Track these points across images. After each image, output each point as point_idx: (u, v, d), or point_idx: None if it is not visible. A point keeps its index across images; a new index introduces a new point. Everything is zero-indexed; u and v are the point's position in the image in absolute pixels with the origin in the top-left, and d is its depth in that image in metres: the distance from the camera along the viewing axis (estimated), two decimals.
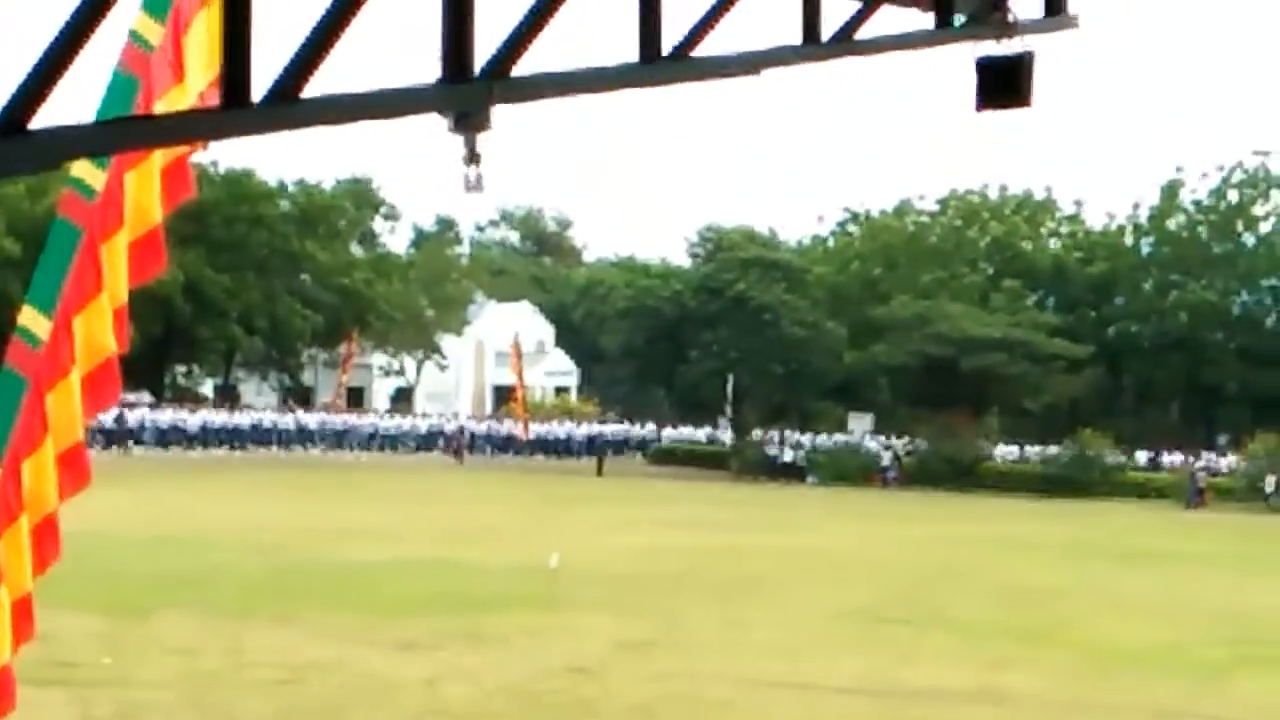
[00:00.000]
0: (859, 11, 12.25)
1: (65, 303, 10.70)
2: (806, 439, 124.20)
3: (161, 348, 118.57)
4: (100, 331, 10.88)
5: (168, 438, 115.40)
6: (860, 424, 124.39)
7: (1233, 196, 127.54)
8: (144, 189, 11.00)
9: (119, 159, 10.73)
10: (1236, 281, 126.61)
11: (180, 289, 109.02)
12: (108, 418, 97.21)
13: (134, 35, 10.37)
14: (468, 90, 10.16)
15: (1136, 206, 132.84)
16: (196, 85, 10.26)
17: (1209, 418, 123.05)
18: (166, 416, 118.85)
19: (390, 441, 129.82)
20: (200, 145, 11.24)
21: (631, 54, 11.08)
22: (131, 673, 34.01)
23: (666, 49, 11.19)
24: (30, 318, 10.76)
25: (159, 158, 11.01)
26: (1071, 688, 37.38)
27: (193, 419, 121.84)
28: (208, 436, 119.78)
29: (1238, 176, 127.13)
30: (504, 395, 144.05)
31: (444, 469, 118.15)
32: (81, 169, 10.74)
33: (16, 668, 10.91)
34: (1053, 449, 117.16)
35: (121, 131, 10.32)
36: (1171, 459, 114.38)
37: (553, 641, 40.65)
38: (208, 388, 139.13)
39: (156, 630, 38.51)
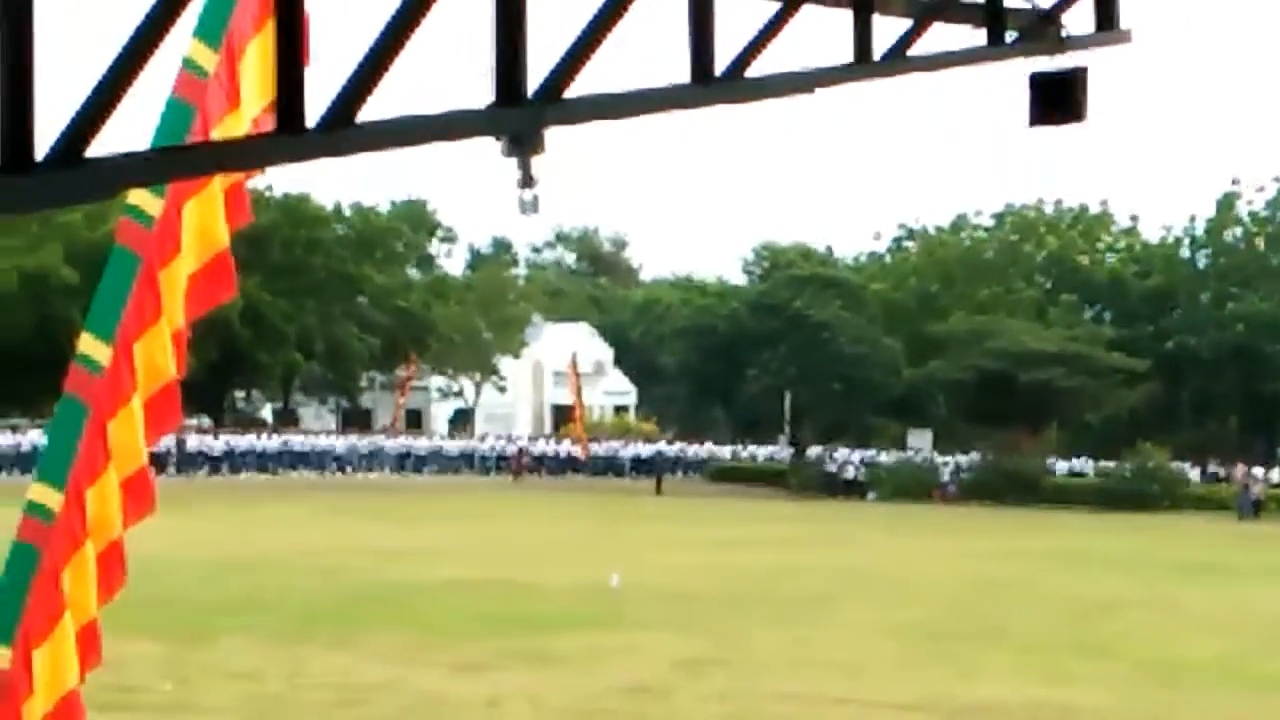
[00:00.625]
0: (910, 29, 12.24)
1: (125, 329, 10.73)
2: (866, 455, 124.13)
3: (220, 373, 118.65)
4: (160, 357, 10.92)
5: (227, 462, 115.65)
6: (920, 440, 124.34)
7: None
8: (207, 215, 11.03)
9: (176, 186, 10.77)
10: None
11: (238, 314, 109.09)
12: (168, 442, 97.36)
13: (188, 63, 10.41)
14: (521, 114, 10.17)
15: (1193, 219, 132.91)
16: (251, 111, 10.29)
17: (1269, 429, 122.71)
18: (226, 441, 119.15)
19: (450, 463, 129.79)
20: (256, 171, 11.28)
21: (684, 75, 11.10)
22: (193, 698, 34.11)
23: (719, 69, 11.21)
24: (90, 345, 10.80)
25: (219, 184, 11.06)
26: (1133, 701, 37.33)
27: (252, 443, 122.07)
28: (267, 460, 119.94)
29: None
30: (563, 415, 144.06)
31: (504, 489, 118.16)
32: (138, 197, 10.77)
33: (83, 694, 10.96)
34: (1112, 463, 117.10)
35: (178, 159, 10.36)
36: (1233, 471, 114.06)
37: (614, 661, 40.67)
38: (267, 412, 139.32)
39: (217, 655, 38.60)
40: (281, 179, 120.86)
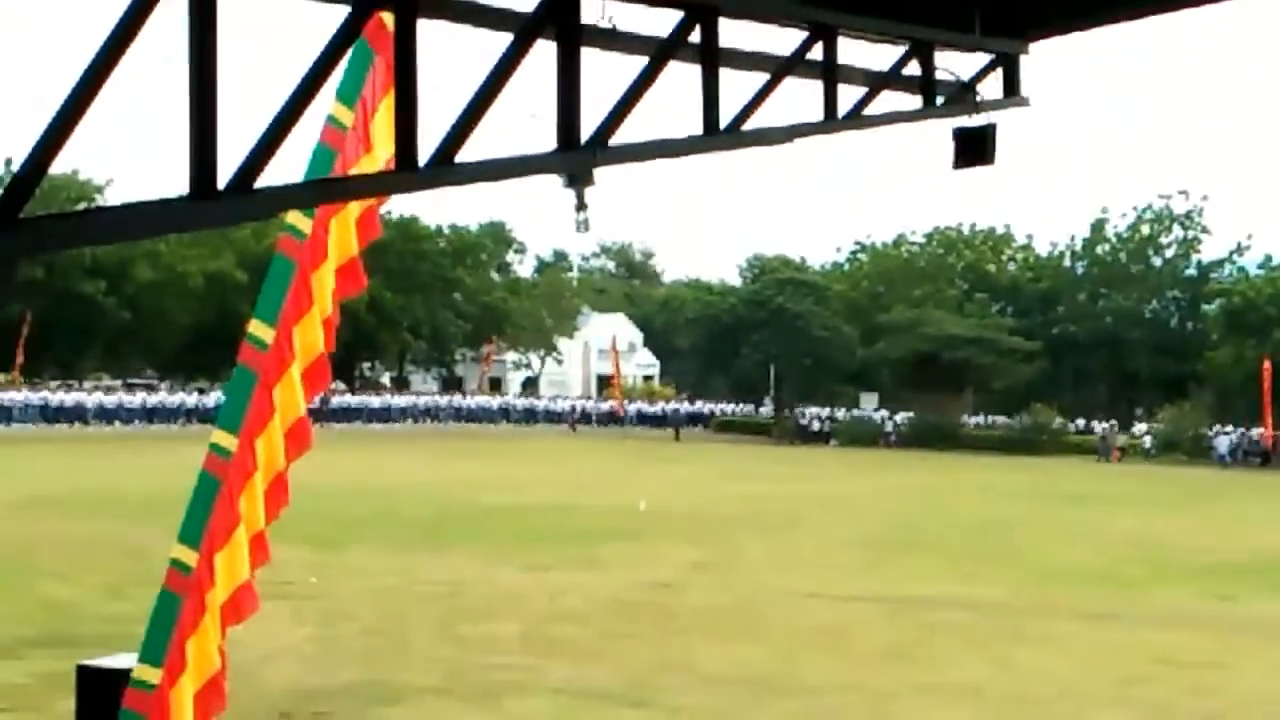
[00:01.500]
0: (865, 95, 12.21)
1: (285, 316, 10.76)
2: (829, 412, 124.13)
3: (352, 350, 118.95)
4: (313, 336, 10.94)
5: (360, 415, 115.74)
6: (869, 401, 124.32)
7: (1145, 230, 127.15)
8: (344, 230, 11.09)
9: (322, 209, 10.79)
10: (1148, 293, 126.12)
11: (365, 305, 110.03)
12: (318, 399, 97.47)
13: (331, 119, 10.41)
14: (577, 156, 10.14)
15: (1073, 238, 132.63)
16: (382, 154, 10.30)
17: (1129, 396, 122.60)
18: (357, 399, 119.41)
19: (521, 417, 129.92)
20: (383, 199, 11.31)
21: (697, 128, 11.05)
22: (331, 589, 34.15)
23: (724, 124, 11.16)
24: (257, 327, 10.81)
25: (355, 207, 11.11)
26: (1024, 596, 37.28)
27: (376, 401, 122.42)
28: (387, 414, 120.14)
29: (1148, 214, 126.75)
30: (605, 382, 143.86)
31: (561, 437, 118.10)
32: (294, 217, 10.78)
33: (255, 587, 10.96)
34: (1011, 419, 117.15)
35: (323, 189, 10.35)
36: (1100, 426, 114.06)
37: (642, 563, 40.68)
38: (386, 379, 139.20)
39: (350, 558, 38.68)
40: (398, 205, 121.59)
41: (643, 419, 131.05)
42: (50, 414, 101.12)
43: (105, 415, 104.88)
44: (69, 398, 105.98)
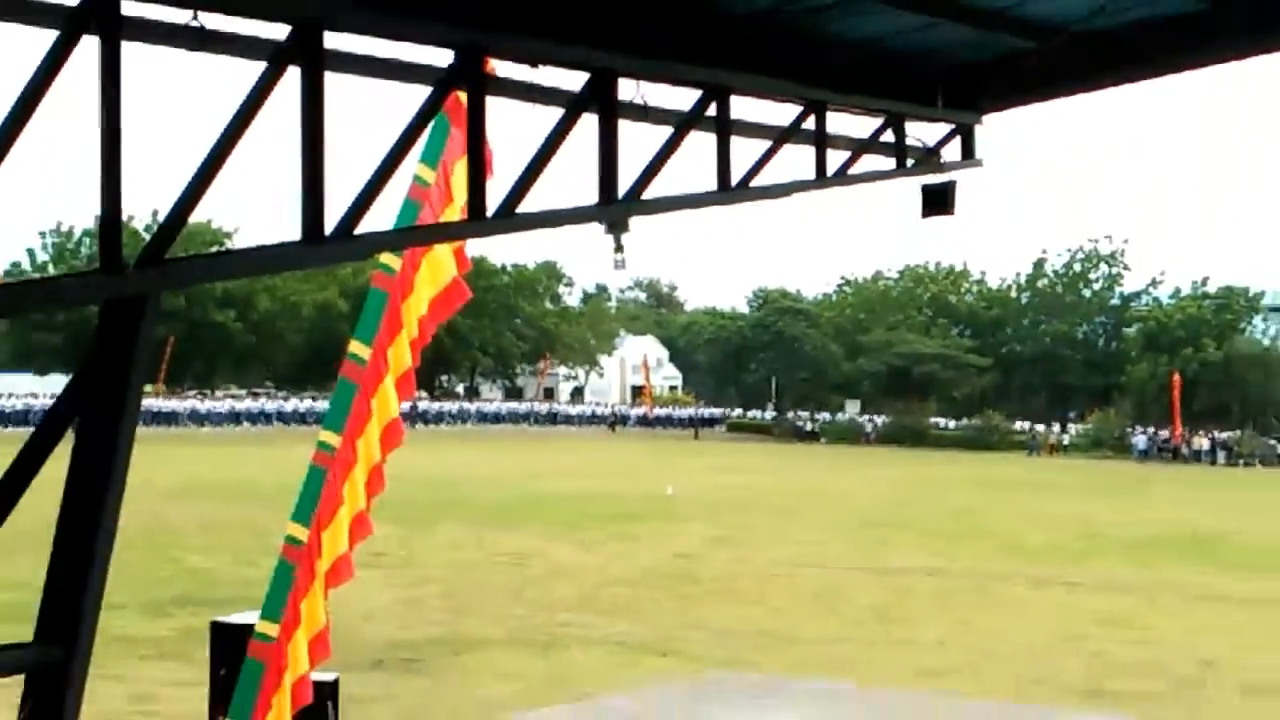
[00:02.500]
0: (849, 158, 12.19)
1: (379, 337, 10.78)
2: (819, 416, 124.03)
3: (433, 365, 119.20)
4: (402, 354, 10.96)
5: (440, 418, 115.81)
6: (852, 407, 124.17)
7: (1077, 267, 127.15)
8: (435, 267, 11.14)
9: (410, 251, 10.83)
10: (1079, 319, 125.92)
11: (443, 330, 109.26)
12: (405, 405, 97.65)
13: (417, 178, 10.45)
14: (615, 208, 10.14)
15: (1019, 274, 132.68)
16: (459, 205, 10.33)
17: (1064, 403, 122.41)
18: (436, 406, 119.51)
19: (571, 420, 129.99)
20: (461, 242, 11.32)
21: (712, 184, 11.05)
22: (417, 560, 34.22)
23: (734, 181, 11.16)
24: (357, 347, 10.84)
25: (446, 248, 11.17)
26: (985, 566, 37.20)
27: (448, 407, 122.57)
28: (462, 418, 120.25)
29: (1080, 255, 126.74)
30: (637, 391, 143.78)
31: (604, 436, 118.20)
32: (386, 257, 10.80)
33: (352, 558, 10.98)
34: (968, 422, 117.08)
35: (409, 235, 10.37)
36: (1038, 428, 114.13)
37: (671, 539, 40.69)
38: (460, 389, 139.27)
39: (432, 535, 38.73)
40: (471, 247, 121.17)
41: (668, 421, 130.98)
42: (193, 418, 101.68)
43: (234, 419, 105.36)
44: (204, 405, 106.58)
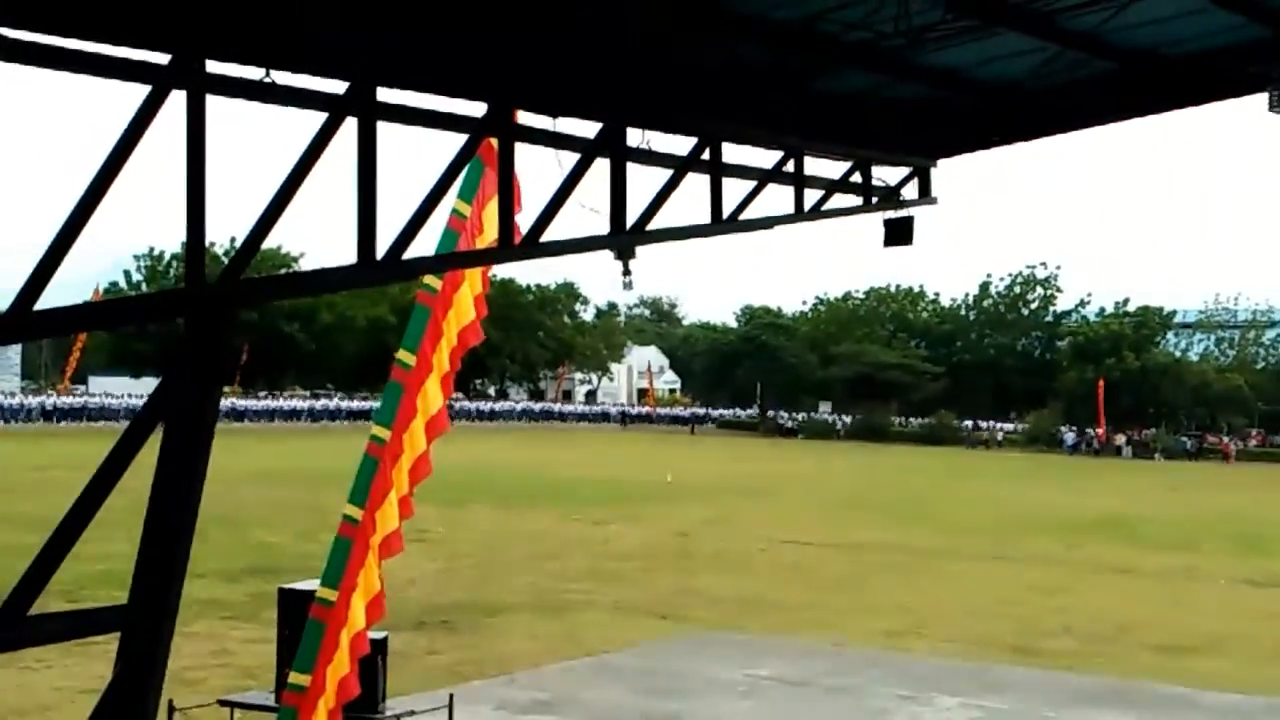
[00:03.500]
0: (823, 196, 12.21)
1: (423, 346, 10.78)
2: (797, 415, 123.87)
3: (469, 370, 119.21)
4: (442, 360, 10.96)
5: (474, 416, 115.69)
6: (825, 407, 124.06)
7: (1017, 289, 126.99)
8: (464, 303, 11.13)
9: (450, 273, 10.84)
10: (1019, 333, 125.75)
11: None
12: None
13: (455, 211, 10.45)
14: (624, 238, 10.16)
15: (967, 294, 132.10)
16: (490, 236, 10.32)
17: (1005, 405, 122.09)
18: (470, 405, 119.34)
19: (585, 418, 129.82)
20: (491, 267, 11.31)
21: (706, 217, 11.06)
22: (453, 536, 34.20)
23: (726, 213, 11.17)
24: (403, 354, 10.84)
25: (478, 272, 11.17)
26: (937, 542, 37.20)
27: (481, 405, 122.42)
28: (492, 415, 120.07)
29: (1019, 278, 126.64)
30: (643, 394, 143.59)
31: (614, 431, 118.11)
32: (429, 278, 10.81)
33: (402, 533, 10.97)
34: (923, 420, 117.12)
35: (449, 260, 10.37)
36: (981, 425, 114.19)
37: (669, 519, 40.67)
38: (491, 391, 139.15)
39: (465, 514, 38.69)
40: (501, 271, 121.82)
41: (669, 419, 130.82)
42: (265, 415, 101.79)
43: (298, 416, 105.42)
44: (273, 404, 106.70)
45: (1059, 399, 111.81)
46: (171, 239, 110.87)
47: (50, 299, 6.41)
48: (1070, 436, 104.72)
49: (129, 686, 6.89)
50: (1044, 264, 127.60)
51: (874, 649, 22.37)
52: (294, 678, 10.65)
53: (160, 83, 6.72)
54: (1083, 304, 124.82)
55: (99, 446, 7.14)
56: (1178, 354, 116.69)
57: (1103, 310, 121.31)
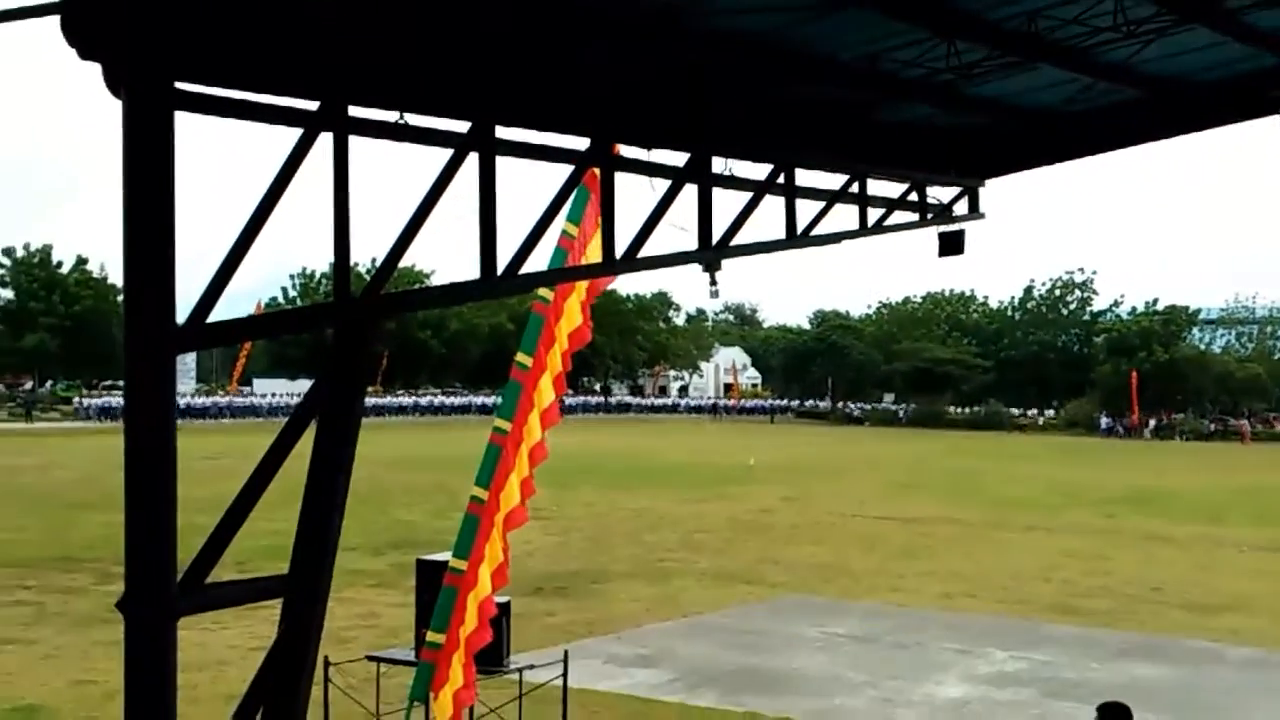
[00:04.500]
0: (884, 213, 12.10)
1: (538, 349, 10.78)
2: (864, 405, 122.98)
3: (577, 369, 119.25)
4: (555, 361, 10.96)
5: (581, 410, 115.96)
6: (889, 399, 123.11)
7: (1057, 292, 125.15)
8: (572, 312, 11.13)
9: (560, 286, 10.85)
10: (1059, 331, 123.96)
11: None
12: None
13: (564, 231, 10.43)
14: (710, 253, 10.12)
15: (1013, 297, 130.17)
16: (595, 255, 10.31)
17: (1047, 395, 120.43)
18: (578, 400, 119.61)
19: (677, 410, 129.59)
20: (599, 280, 11.29)
21: (782, 233, 11.01)
22: (563, 513, 34.34)
23: (799, 230, 11.10)
24: (521, 357, 10.84)
25: (584, 285, 11.15)
26: (987, 515, 36.85)
27: (588, 400, 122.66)
28: (597, 408, 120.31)
29: (1059, 283, 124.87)
30: (728, 388, 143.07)
31: (705, 423, 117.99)
32: (543, 290, 10.83)
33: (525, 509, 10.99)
34: (975, 409, 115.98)
35: (560, 274, 10.40)
36: (1024, 412, 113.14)
37: (752, 497, 40.60)
38: (597, 387, 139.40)
39: (574, 494, 38.80)
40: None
41: (751, 410, 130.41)
42: (403, 410, 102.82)
43: (431, 411, 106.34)
44: (409, 400, 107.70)
45: (1096, 389, 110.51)
46: (321, 259, 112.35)
47: (219, 313, 6.50)
48: (1104, 421, 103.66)
49: (290, 644, 6.97)
50: (1081, 269, 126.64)
51: (932, 609, 22.20)
52: (431, 636, 10.72)
53: (311, 126, 6.81)
54: (1116, 304, 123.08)
55: (262, 439, 7.24)
56: (1202, 347, 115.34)
57: (1134, 310, 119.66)
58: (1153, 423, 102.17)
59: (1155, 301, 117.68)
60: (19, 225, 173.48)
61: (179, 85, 6.07)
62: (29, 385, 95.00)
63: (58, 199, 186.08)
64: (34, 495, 36.38)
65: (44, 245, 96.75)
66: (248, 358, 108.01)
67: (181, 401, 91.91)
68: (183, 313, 6.15)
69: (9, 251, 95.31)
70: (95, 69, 5.91)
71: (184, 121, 6.06)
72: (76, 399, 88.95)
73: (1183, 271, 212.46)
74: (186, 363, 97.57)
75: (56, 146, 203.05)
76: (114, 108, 5.94)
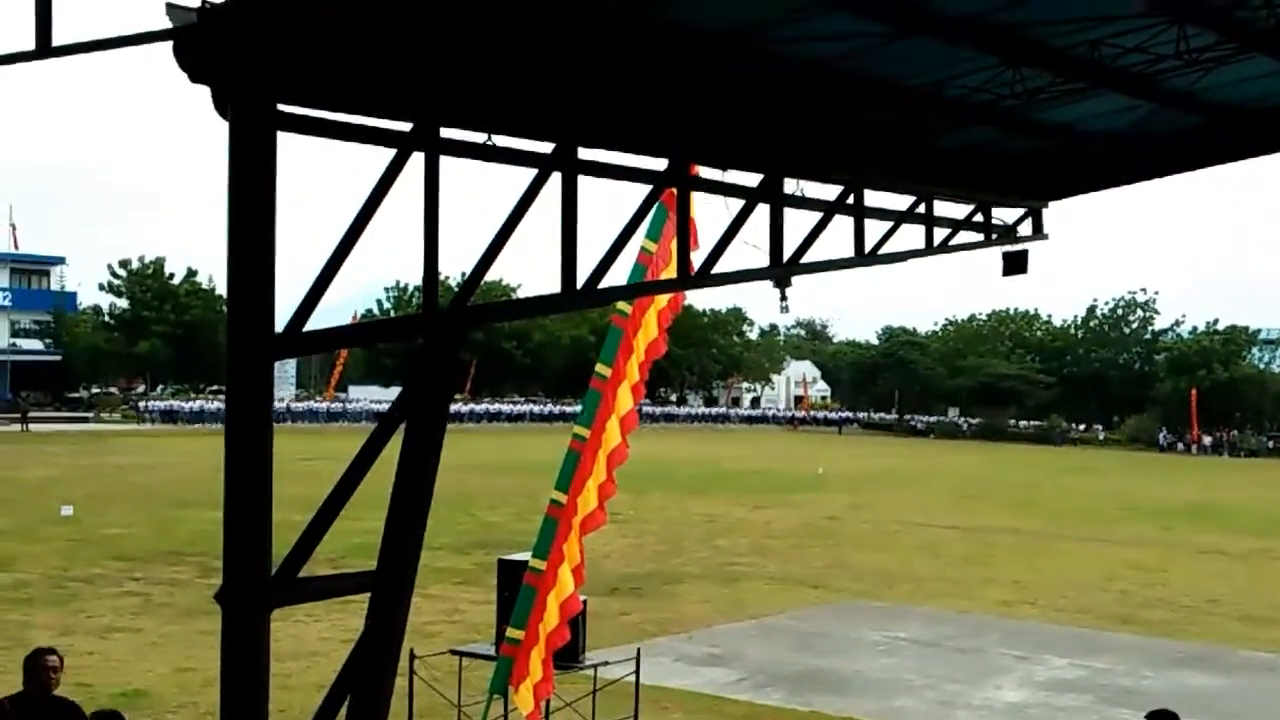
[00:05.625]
0: (950, 233, 11.99)
1: (616, 360, 10.80)
2: (929, 418, 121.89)
3: (655, 380, 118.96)
4: (633, 371, 10.96)
5: (661, 420, 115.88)
6: (953, 412, 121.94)
7: (1119, 311, 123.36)
8: (650, 326, 11.13)
9: (638, 300, 10.85)
10: (1121, 350, 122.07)
11: (663, 356, 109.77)
12: None
13: (643, 248, 10.44)
14: (781, 270, 10.07)
15: (1076, 316, 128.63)
16: (671, 269, 10.29)
17: (1108, 410, 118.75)
18: (655, 409, 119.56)
19: (750, 420, 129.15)
20: (680, 295, 11.28)
21: (850, 252, 10.93)
22: (638, 517, 34.31)
23: (867, 249, 11.02)
24: (601, 367, 10.86)
25: (664, 298, 11.12)
26: (1047, 525, 36.36)
27: (664, 410, 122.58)
28: (671, 418, 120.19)
29: (1121, 302, 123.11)
30: (799, 400, 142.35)
31: (778, 433, 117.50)
32: (621, 304, 10.85)
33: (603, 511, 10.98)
34: (1038, 423, 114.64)
35: (638, 288, 10.40)
36: (1081, 427, 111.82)
37: (820, 505, 40.31)
38: (673, 398, 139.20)
39: (648, 499, 38.74)
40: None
41: (820, 421, 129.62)
42: (488, 417, 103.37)
43: (515, 419, 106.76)
44: (494, 408, 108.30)
45: (1156, 406, 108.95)
46: (413, 273, 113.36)
47: (316, 322, 6.57)
48: (1163, 437, 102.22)
49: (378, 637, 7.01)
50: (1143, 289, 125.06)
51: (993, 616, 21.93)
52: (510, 632, 10.75)
53: (404, 146, 6.87)
54: (1177, 324, 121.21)
55: (354, 442, 7.30)
56: (1261, 366, 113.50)
57: (1195, 329, 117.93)
58: (1209, 439, 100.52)
59: (1215, 322, 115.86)
60: (108, 229, 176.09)
61: (281, 107, 6.15)
62: (140, 389, 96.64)
63: (139, 205, 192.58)
64: (140, 493, 36.98)
65: (157, 257, 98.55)
66: (345, 366, 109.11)
67: (280, 405, 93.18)
68: (281, 322, 6.23)
69: (125, 263, 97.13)
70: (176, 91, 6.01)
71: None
72: (142, 403, 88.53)
73: (1243, 292, 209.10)
74: (287, 369, 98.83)
75: (141, 158, 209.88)
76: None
